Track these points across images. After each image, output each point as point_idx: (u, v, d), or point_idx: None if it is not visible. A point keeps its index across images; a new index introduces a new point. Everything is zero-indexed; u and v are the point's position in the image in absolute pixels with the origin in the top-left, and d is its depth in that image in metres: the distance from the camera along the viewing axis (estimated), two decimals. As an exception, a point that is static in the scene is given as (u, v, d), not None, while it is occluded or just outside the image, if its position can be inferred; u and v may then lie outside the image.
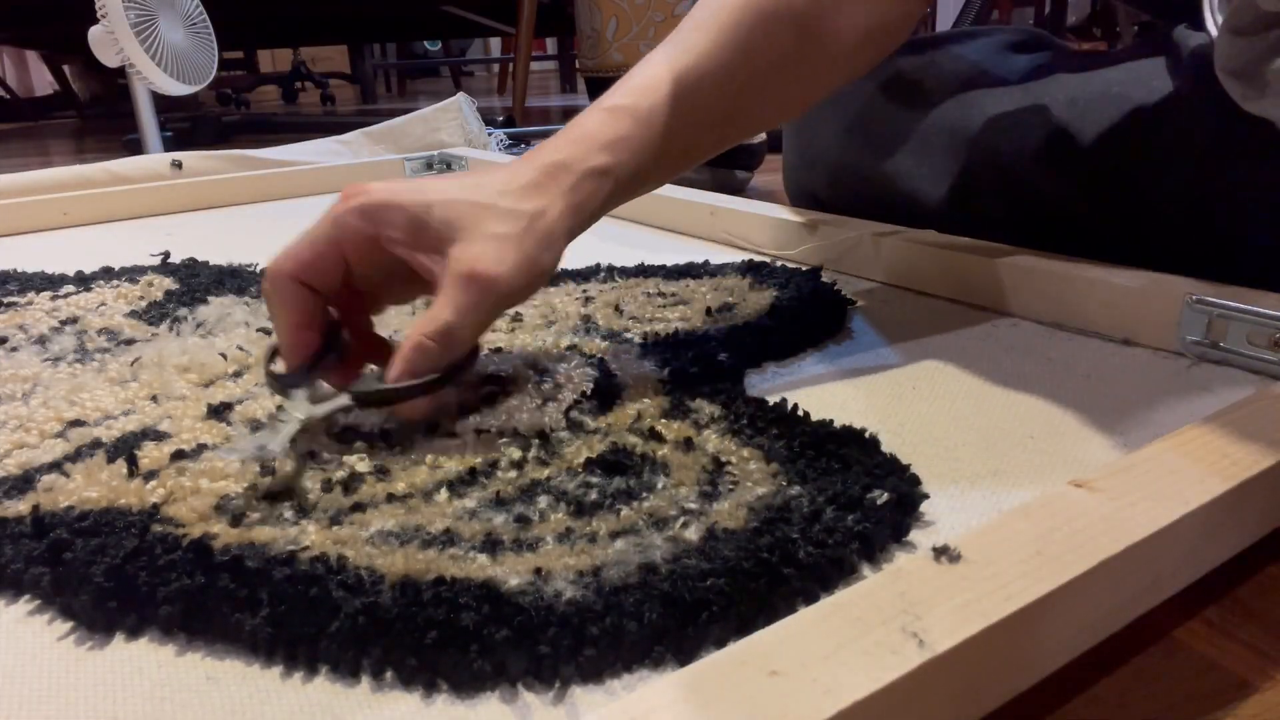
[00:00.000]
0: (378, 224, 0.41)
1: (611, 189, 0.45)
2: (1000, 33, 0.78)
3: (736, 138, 0.51)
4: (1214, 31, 0.49)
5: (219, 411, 0.45)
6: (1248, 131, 0.53)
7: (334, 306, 0.44)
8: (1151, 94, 0.60)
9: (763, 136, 1.20)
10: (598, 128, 0.45)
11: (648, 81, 0.46)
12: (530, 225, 0.41)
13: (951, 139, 0.70)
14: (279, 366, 0.42)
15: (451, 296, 0.40)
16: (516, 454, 0.40)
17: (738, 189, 1.17)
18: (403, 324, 0.57)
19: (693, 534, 0.33)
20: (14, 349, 0.56)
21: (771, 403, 0.45)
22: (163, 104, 1.72)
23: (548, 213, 0.42)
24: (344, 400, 0.40)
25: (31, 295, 0.68)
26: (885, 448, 0.40)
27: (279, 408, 0.39)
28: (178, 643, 0.30)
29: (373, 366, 0.46)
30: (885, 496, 0.35)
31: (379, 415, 0.43)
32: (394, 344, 0.44)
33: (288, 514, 0.36)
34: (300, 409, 0.39)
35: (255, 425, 0.44)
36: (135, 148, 1.70)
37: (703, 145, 0.49)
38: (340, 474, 0.38)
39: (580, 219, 0.44)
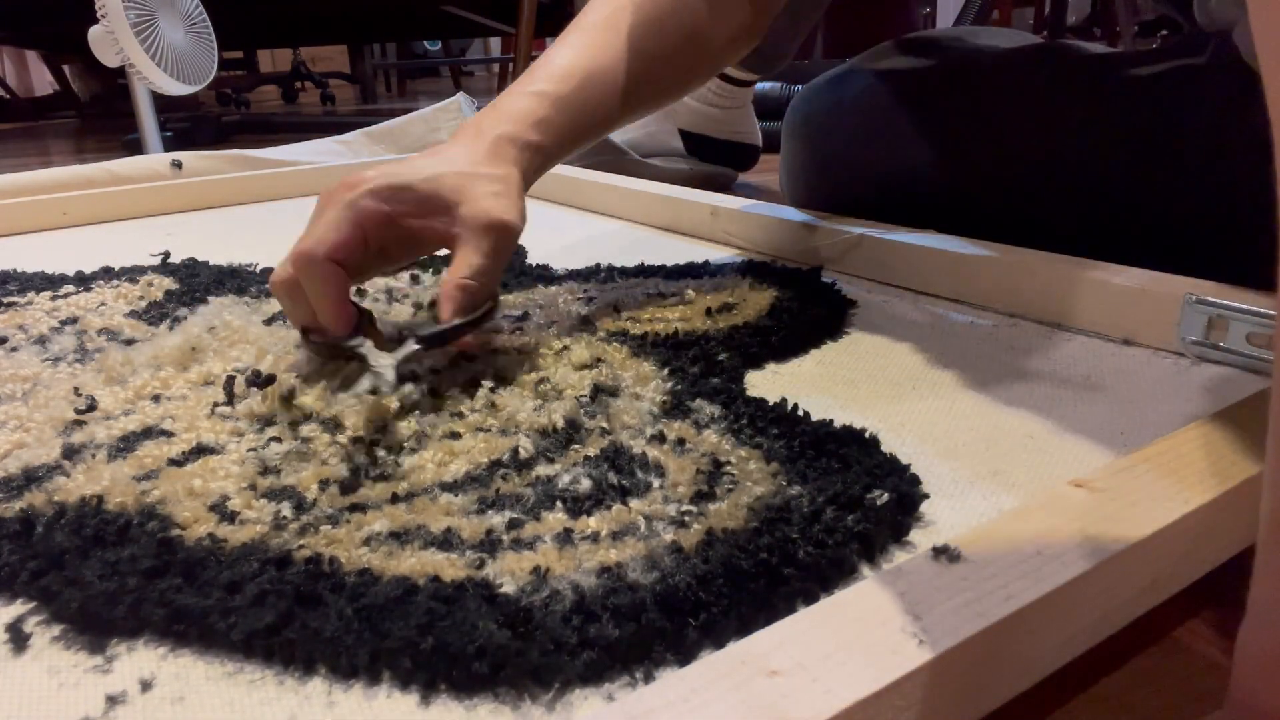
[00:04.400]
0: (392, 202, 0.48)
1: (541, 161, 0.54)
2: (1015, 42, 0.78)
3: (628, 120, 0.60)
4: (1199, 17, 0.50)
5: (219, 410, 0.45)
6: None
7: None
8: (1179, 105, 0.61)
9: (759, 139, 1.20)
10: (528, 109, 0.53)
11: (563, 71, 0.55)
12: (508, 184, 0.50)
13: (963, 134, 0.70)
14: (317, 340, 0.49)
15: (476, 244, 0.48)
16: (515, 454, 0.40)
17: (724, 186, 1.17)
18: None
19: (692, 534, 0.33)
20: (14, 349, 0.56)
21: (771, 403, 0.44)
22: (163, 104, 1.72)
23: (513, 174, 0.51)
24: (412, 346, 0.47)
25: (31, 295, 0.68)
26: (885, 448, 0.40)
27: (359, 361, 0.47)
28: (173, 644, 0.30)
29: (447, 305, 0.50)
30: (885, 496, 0.35)
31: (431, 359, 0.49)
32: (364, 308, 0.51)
33: (286, 513, 0.36)
34: (382, 357, 0.46)
35: (261, 423, 0.44)
36: (135, 148, 1.70)
37: (602, 127, 0.58)
38: (339, 473, 0.38)
39: (527, 182, 0.53)
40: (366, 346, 0.47)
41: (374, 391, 0.45)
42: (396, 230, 0.48)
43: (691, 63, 0.60)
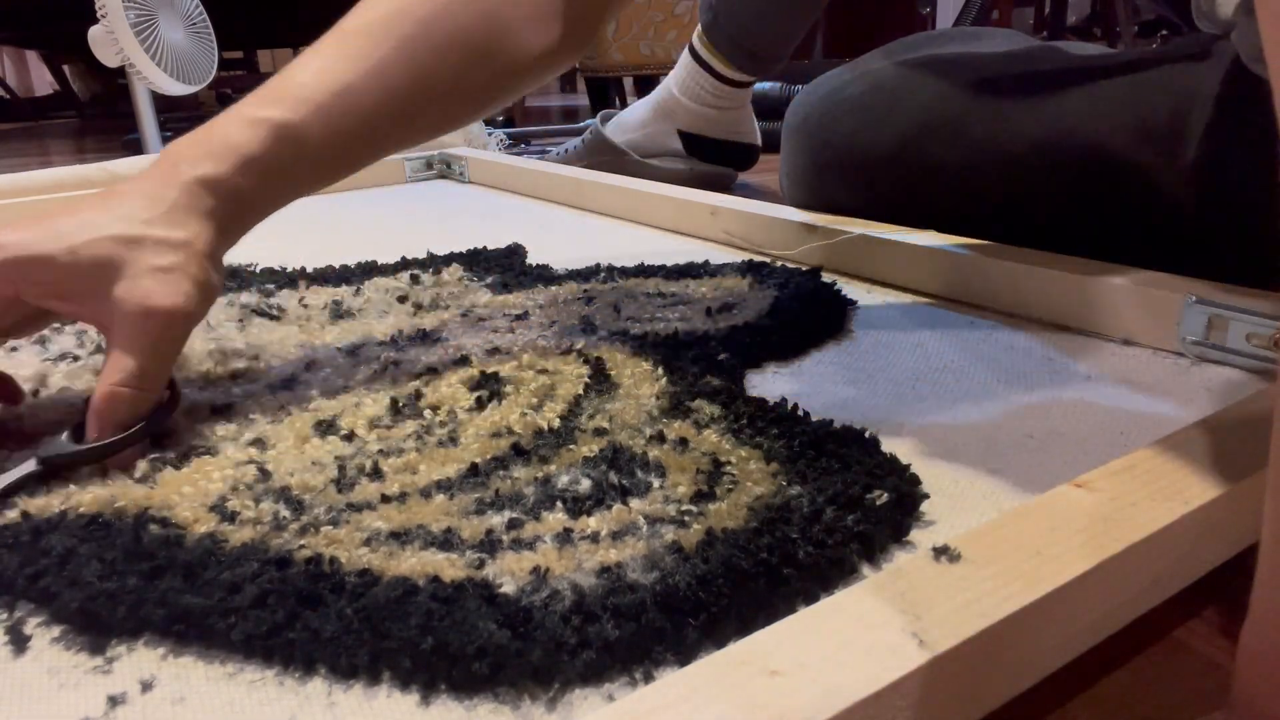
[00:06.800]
0: (18, 283, 0.39)
1: (246, 212, 0.44)
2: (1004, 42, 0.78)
3: (393, 150, 0.50)
4: (1197, 20, 0.50)
5: (220, 411, 0.45)
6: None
7: None
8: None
9: (758, 139, 1.20)
10: (242, 141, 0.43)
11: (303, 91, 0.44)
12: (190, 254, 0.40)
13: (962, 134, 0.70)
14: None
15: (130, 340, 0.39)
16: (515, 454, 0.40)
17: (725, 186, 1.17)
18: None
19: (692, 534, 0.33)
20: (14, 349, 0.56)
21: (771, 403, 0.44)
22: (163, 104, 1.72)
23: (201, 237, 0.41)
24: (30, 466, 0.37)
25: (31, 295, 0.68)
26: (885, 448, 0.40)
27: None
28: (174, 644, 0.30)
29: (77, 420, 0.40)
30: (885, 496, 0.35)
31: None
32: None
33: (286, 513, 0.36)
34: None
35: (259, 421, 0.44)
36: (135, 148, 1.70)
37: (358, 158, 0.48)
38: (333, 474, 0.38)
39: (230, 238, 0.44)
40: None
41: None
42: (26, 309, 0.40)
43: (487, 81, 0.49)
